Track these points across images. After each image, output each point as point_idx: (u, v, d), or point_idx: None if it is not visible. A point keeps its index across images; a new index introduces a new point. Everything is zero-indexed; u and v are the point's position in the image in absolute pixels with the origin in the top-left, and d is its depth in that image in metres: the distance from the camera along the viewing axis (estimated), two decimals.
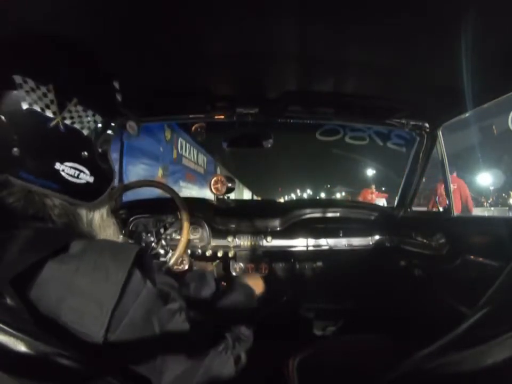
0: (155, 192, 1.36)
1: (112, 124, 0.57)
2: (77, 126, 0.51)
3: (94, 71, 0.57)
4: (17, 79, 0.46)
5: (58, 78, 0.49)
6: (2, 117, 0.46)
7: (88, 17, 0.77)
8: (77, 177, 0.51)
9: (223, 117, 1.49)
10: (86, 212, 0.55)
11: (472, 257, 1.11)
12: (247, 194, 25.92)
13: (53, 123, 0.48)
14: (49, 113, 0.48)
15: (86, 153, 0.52)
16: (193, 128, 1.60)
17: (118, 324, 0.43)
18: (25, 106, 0.46)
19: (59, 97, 0.48)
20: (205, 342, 0.54)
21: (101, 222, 0.56)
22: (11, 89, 0.46)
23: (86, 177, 0.52)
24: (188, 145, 8.79)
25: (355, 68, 1.09)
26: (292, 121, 1.58)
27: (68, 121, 0.50)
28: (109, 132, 0.57)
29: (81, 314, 0.42)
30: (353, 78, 1.19)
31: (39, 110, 0.47)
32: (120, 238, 0.61)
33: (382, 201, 6.87)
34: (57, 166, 0.49)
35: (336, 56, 1.01)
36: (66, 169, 0.50)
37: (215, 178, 1.68)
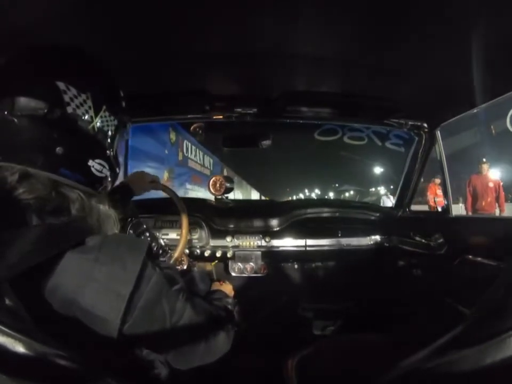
0: (154, 192, 1.36)
1: (125, 125, 0.66)
2: (105, 128, 0.58)
3: (112, 78, 0.63)
4: (61, 85, 0.52)
5: (94, 88, 0.56)
6: (49, 119, 0.51)
7: (93, 21, 0.78)
8: (101, 171, 0.59)
9: (221, 117, 1.49)
10: (96, 204, 0.59)
11: (470, 257, 1.11)
12: (255, 195, 25.83)
13: (90, 126, 0.56)
14: (88, 118, 0.55)
15: (108, 151, 0.60)
16: (191, 128, 1.60)
17: (134, 307, 0.48)
18: (70, 110, 0.53)
19: (94, 105, 0.56)
20: (204, 318, 0.61)
21: (104, 213, 0.61)
22: (57, 94, 0.52)
23: (106, 171, 0.60)
24: (193, 147, 8.82)
25: (354, 68, 1.10)
26: (290, 121, 1.58)
27: (100, 125, 0.57)
28: (123, 132, 0.66)
29: (100, 300, 0.45)
30: (352, 78, 1.20)
31: (80, 114, 0.54)
32: (117, 227, 0.65)
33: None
34: (90, 162, 0.56)
35: (334, 56, 1.02)
36: (95, 165, 0.57)
37: (213, 178, 1.68)
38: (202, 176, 9.69)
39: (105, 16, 0.78)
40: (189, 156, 8.52)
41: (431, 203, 6.55)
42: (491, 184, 5.19)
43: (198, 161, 9.48)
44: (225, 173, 12.93)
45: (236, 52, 1.00)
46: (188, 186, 8.08)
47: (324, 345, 1.09)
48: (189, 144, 8.44)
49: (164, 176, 6.47)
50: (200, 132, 1.58)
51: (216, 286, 0.97)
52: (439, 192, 6.11)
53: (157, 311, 0.51)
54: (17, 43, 0.56)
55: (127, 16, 0.79)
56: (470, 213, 5.24)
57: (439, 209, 1.44)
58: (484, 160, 5.36)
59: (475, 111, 1.22)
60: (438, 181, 6.35)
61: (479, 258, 1.07)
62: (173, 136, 7.08)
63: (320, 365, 0.94)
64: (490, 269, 0.99)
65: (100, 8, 0.75)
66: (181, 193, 7.31)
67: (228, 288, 0.96)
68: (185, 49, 0.98)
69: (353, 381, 0.83)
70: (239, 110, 1.42)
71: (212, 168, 11.11)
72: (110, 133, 0.60)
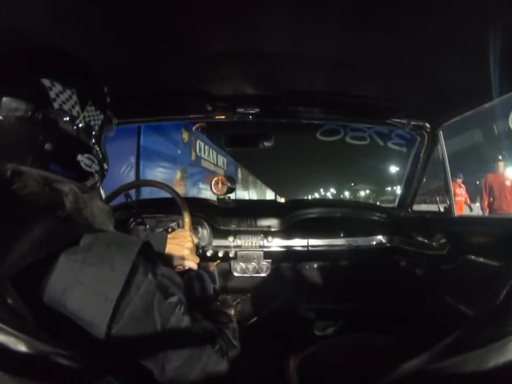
0: (155, 191, 1.35)
1: (111, 120, 0.66)
2: (91, 123, 0.59)
3: (96, 74, 0.63)
4: (46, 82, 0.53)
5: (78, 83, 0.57)
6: (37, 116, 0.52)
7: (95, 22, 0.78)
8: (90, 166, 0.60)
9: (223, 117, 1.49)
10: (89, 199, 0.59)
11: (472, 257, 1.11)
12: (270, 194, 25.65)
13: (77, 121, 0.56)
14: (74, 113, 0.56)
15: (96, 146, 0.61)
16: (193, 128, 1.60)
17: (121, 314, 0.45)
18: (56, 106, 0.53)
19: (80, 100, 0.57)
20: (202, 337, 0.57)
21: (97, 208, 0.60)
22: (43, 91, 0.52)
23: (95, 166, 0.61)
24: (206, 147, 8.71)
25: (356, 68, 1.09)
26: (292, 121, 1.58)
27: (86, 119, 0.58)
28: (109, 127, 0.66)
29: (86, 303, 0.44)
30: (354, 78, 1.19)
31: (67, 109, 0.55)
32: (113, 224, 0.64)
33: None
34: (79, 157, 0.58)
35: (336, 56, 1.01)
36: (84, 160, 0.58)
37: (215, 178, 1.69)
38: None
39: (107, 17, 0.78)
40: (202, 155, 8.41)
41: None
42: (508, 183, 4.93)
43: (212, 161, 9.32)
44: (239, 173, 12.80)
45: (238, 52, 1.00)
46: (201, 186, 7.95)
47: (325, 346, 1.09)
48: (202, 144, 8.33)
49: (177, 176, 6.42)
50: (202, 132, 1.59)
51: (218, 304, 0.90)
52: (459, 191, 5.86)
53: (147, 323, 0.48)
54: (10, 44, 0.57)
55: (130, 16, 0.79)
56: (486, 213, 4.98)
57: (442, 209, 1.43)
58: (500, 158, 5.08)
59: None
60: (459, 180, 6.04)
61: (481, 259, 1.07)
62: (185, 136, 6.96)
63: (322, 365, 0.94)
64: (493, 269, 0.99)
65: (101, 9, 0.75)
66: (194, 192, 7.28)
67: (229, 308, 0.90)
68: (187, 49, 0.98)
69: (355, 381, 0.83)
70: (241, 110, 1.42)
71: (225, 168, 10.88)
72: (96, 127, 0.61)
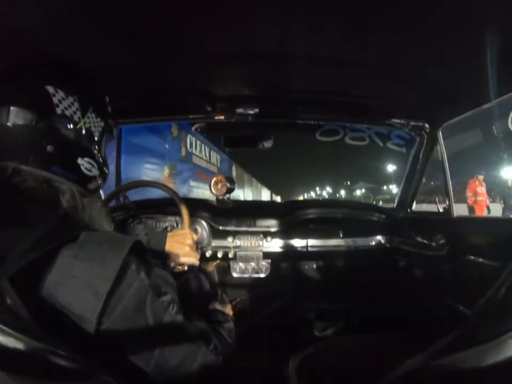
0: (153, 192, 1.35)
1: (111, 129, 0.69)
2: (92, 129, 0.62)
3: (97, 83, 0.66)
4: (50, 89, 0.56)
5: (80, 91, 0.60)
6: (41, 119, 0.55)
7: (92, 22, 0.78)
8: (90, 170, 0.61)
9: (223, 117, 1.49)
10: (89, 202, 0.61)
11: (472, 257, 1.11)
12: (265, 193, 25.38)
13: (78, 126, 0.59)
14: (76, 118, 0.59)
15: (96, 151, 0.63)
16: (193, 128, 1.60)
17: (112, 310, 0.46)
18: (59, 111, 0.56)
19: (81, 106, 0.59)
20: (197, 336, 0.57)
21: (97, 211, 0.62)
22: (46, 97, 0.55)
23: (95, 170, 0.63)
24: (198, 142, 8.42)
25: (356, 68, 1.09)
26: (292, 121, 1.58)
27: (87, 125, 0.61)
28: (110, 132, 0.68)
29: (77, 297, 0.45)
30: (354, 78, 1.19)
31: (68, 115, 0.58)
32: (112, 227, 0.67)
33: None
34: (79, 160, 0.60)
35: (336, 56, 1.01)
36: (84, 163, 0.60)
37: (215, 179, 1.69)
38: (209, 173, 9.02)
39: (107, 17, 0.79)
40: (193, 151, 8.11)
41: (470, 202, 5.62)
42: None
43: (204, 157, 9.06)
44: (234, 170, 12.61)
45: (238, 52, 1.00)
46: (192, 183, 7.71)
47: (325, 346, 1.09)
48: (193, 139, 7.97)
49: (164, 173, 6.17)
50: (202, 132, 1.59)
51: (215, 304, 0.91)
52: (480, 190, 5.55)
53: (139, 320, 0.49)
54: (10, 47, 0.58)
55: (129, 17, 0.79)
56: None
57: (441, 209, 1.43)
58: None
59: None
60: (481, 177, 5.70)
61: (480, 259, 1.07)
62: (174, 130, 6.64)
63: (321, 365, 0.94)
64: (492, 269, 0.99)
65: (101, 10, 0.75)
66: (184, 191, 7.05)
67: (226, 308, 0.91)
68: (186, 49, 0.98)
69: (355, 381, 0.83)
70: (240, 110, 1.42)
71: (219, 165, 10.66)
72: (97, 133, 0.63)
